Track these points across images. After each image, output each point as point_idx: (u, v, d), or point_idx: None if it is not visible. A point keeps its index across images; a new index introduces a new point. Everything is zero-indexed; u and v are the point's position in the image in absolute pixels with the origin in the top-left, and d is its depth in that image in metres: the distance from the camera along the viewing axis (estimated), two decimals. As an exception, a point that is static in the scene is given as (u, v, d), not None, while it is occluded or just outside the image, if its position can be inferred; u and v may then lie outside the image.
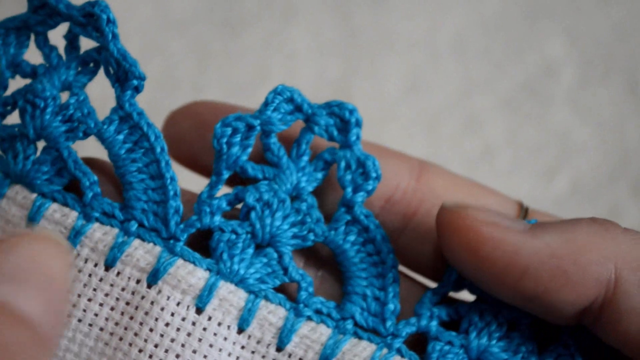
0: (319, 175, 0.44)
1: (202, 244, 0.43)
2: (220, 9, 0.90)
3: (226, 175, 0.43)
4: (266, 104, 0.43)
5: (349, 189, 0.44)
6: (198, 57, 0.88)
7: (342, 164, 0.44)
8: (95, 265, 0.41)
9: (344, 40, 0.90)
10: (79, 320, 0.41)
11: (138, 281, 0.41)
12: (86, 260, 0.41)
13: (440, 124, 0.89)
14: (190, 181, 0.48)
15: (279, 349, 0.41)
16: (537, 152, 0.88)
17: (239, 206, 0.44)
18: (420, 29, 0.92)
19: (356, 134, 0.44)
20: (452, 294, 0.45)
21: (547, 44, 0.91)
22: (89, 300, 0.41)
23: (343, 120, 0.44)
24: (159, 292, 0.41)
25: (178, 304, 0.41)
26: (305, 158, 0.44)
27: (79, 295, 0.41)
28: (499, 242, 0.39)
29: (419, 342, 0.43)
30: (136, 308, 0.41)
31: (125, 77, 0.43)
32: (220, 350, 0.41)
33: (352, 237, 0.43)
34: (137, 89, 0.43)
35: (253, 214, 0.42)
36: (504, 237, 0.39)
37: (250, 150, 0.43)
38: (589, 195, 0.88)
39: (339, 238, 0.43)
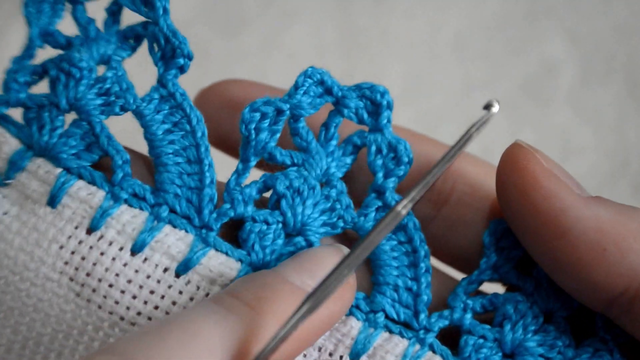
0: (348, 160, 0.43)
1: (230, 233, 0.41)
2: (220, 9, 0.90)
3: (254, 161, 0.41)
4: (296, 87, 0.41)
5: (380, 174, 0.42)
6: (198, 57, 0.88)
7: (373, 148, 0.42)
8: (121, 249, 0.39)
9: (344, 40, 0.90)
10: (99, 307, 0.39)
11: (165, 269, 0.39)
12: (110, 243, 0.39)
13: (440, 123, 0.89)
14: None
15: None
16: (537, 152, 0.88)
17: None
18: (420, 29, 0.91)
19: (387, 117, 0.42)
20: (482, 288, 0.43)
21: (547, 44, 0.91)
22: (110, 286, 0.39)
23: (374, 102, 0.42)
24: (188, 282, 0.39)
25: (207, 294, 0.39)
26: (334, 142, 0.43)
27: (100, 280, 0.39)
28: (551, 194, 0.38)
29: (449, 334, 0.42)
30: (162, 297, 0.39)
31: (172, 55, 0.41)
32: None
33: None
34: (183, 69, 0.41)
35: (284, 202, 0.41)
36: (558, 192, 0.38)
37: (278, 135, 0.41)
38: (589, 195, 0.88)
39: (369, 225, 0.42)
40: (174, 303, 0.39)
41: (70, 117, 0.41)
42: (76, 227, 0.39)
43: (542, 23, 0.93)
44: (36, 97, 0.41)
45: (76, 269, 0.39)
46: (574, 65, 0.91)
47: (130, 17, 0.42)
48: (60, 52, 0.42)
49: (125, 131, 0.42)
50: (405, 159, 0.42)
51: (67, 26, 0.43)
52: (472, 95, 0.90)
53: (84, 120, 0.40)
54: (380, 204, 0.42)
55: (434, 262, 0.45)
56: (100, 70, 0.42)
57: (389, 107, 0.42)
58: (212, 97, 0.47)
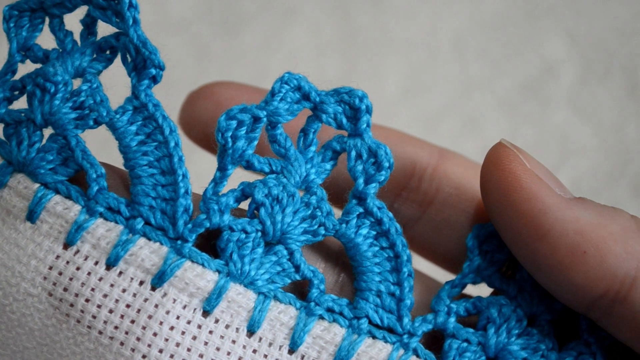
0: (328, 166, 0.42)
1: (209, 242, 0.41)
2: (220, 9, 0.90)
3: (231, 170, 0.41)
4: (273, 93, 0.41)
5: (361, 180, 0.41)
6: (198, 57, 0.88)
7: (353, 153, 0.42)
8: (96, 263, 0.39)
9: (344, 40, 0.90)
10: (77, 322, 0.39)
11: (141, 283, 0.39)
12: (86, 258, 0.39)
13: (440, 123, 0.89)
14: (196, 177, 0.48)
15: (292, 350, 0.40)
16: (537, 152, 0.88)
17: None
18: (420, 29, 0.91)
19: (366, 122, 0.41)
20: (467, 291, 0.43)
21: (547, 43, 0.91)
22: (87, 300, 0.39)
23: (353, 107, 0.41)
24: (164, 295, 0.39)
25: (184, 307, 0.39)
26: (313, 148, 0.42)
27: (77, 295, 0.39)
28: (532, 195, 0.38)
29: (433, 338, 0.42)
30: (138, 311, 0.39)
31: (144, 66, 0.41)
32: (228, 353, 0.39)
33: (364, 230, 0.42)
34: (155, 79, 0.41)
35: (263, 211, 0.41)
36: (539, 193, 0.38)
37: (256, 143, 0.41)
38: (589, 195, 0.87)
39: (351, 231, 0.41)
40: (150, 317, 0.39)
41: (50, 131, 0.41)
42: (53, 242, 0.40)
43: (542, 23, 0.93)
44: (14, 113, 0.41)
45: (54, 284, 0.39)
46: (574, 65, 0.91)
47: (108, 29, 0.42)
48: (38, 66, 0.42)
49: (108, 142, 0.42)
50: (386, 164, 0.41)
51: (48, 39, 0.43)
52: (472, 95, 0.90)
53: (59, 134, 0.40)
54: (361, 210, 0.42)
55: (418, 266, 0.45)
56: (78, 83, 0.41)
57: (368, 111, 0.41)
58: (201, 100, 0.47)
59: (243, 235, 0.40)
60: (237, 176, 0.42)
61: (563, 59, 0.91)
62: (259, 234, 0.41)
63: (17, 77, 0.42)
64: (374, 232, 0.42)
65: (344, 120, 0.42)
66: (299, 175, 0.41)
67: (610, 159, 0.89)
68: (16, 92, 0.42)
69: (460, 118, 0.90)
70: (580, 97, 0.91)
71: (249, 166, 0.41)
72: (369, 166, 0.42)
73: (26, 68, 0.42)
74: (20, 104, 0.42)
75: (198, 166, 0.48)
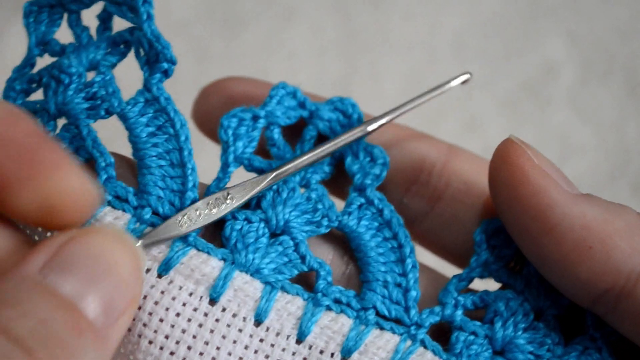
0: (327, 168, 0.44)
1: (215, 235, 0.42)
2: (220, 9, 0.90)
3: (233, 168, 0.42)
4: (270, 97, 0.44)
5: (359, 175, 0.44)
6: (198, 57, 0.88)
7: (350, 155, 0.44)
8: None
9: (344, 40, 0.90)
10: None
11: (148, 270, 0.39)
12: None
13: (440, 123, 0.89)
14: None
15: (299, 340, 0.40)
16: (537, 152, 0.88)
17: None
18: (420, 29, 0.92)
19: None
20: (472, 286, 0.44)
21: (547, 44, 0.91)
22: None
23: (346, 115, 0.44)
24: (171, 282, 0.39)
25: (190, 294, 0.39)
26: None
27: None
28: (540, 190, 0.39)
29: (440, 330, 0.42)
30: (144, 298, 0.39)
31: (156, 60, 0.42)
32: (234, 342, 0.39)
33: (366, 221, 0.43)
34: (167, 73, 0.42)
35: (264, 201, 0.42)
36: (546, 188, 0.39)
37: (256, 143, 0.43)
38: (589, 195, 0.88)
39: (353, 222, 0.43)
40: (156, 303, 0.39)
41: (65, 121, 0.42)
42: None
43: (542, 23, 0.93)
44: (30, 104, 0.42)
45: None
46: (574, 65, 0.91)
47: (123, 23, 0.43)
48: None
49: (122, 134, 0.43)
50: (381, 161, 0.44)
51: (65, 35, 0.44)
52: (472, 95, 0.90)
53: (72, 124, 0.41)
54: (363, 200, 0.43)
55: (426, 260, 0.45)
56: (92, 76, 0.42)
57: (360, 119, 0.44)
58: (214, 94, 0.47)
59: (247, 225, 0.41)
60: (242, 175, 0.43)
61: (563, 59, 0.91)
62: (262, 223, 0.42)
63: (35, 70, 0.43)
64: (377, 223, 0.43)
65: (339, 128, 0.44)
66: (298, 174, 0.43)
67: (610, 158, 0.89)
68: (34, 85, 0.43)
69: (460, 118, 0.90)
70: (580, 97, 0.91)
71: (250, 164, 0.43)
72: (365, 164, 0.44)
73: (44, 62, 0.43)
74: (37, 96, 0.43)
75: (204, 161, 0.48)
